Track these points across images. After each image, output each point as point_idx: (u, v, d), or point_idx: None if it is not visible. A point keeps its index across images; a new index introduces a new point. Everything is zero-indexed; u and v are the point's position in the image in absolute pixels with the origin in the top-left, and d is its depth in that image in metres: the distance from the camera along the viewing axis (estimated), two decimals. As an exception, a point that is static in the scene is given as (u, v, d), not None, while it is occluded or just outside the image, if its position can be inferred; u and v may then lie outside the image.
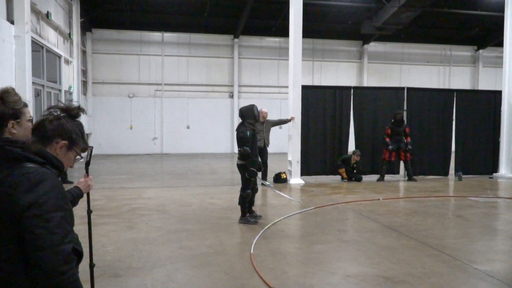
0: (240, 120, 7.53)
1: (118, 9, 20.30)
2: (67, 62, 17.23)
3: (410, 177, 12.70)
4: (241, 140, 7.22)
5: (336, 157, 12.70)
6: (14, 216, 1.85)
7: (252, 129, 7.32)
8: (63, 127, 2.09)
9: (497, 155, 13.79)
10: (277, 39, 23.09)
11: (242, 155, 7.25)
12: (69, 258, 1.89)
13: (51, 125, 2.07)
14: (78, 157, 2.22)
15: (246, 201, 7.36)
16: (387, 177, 12.82)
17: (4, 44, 10.30)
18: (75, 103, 2.24)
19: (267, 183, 11.13)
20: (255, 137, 7.48)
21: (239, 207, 7.42)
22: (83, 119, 14.04)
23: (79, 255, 2.08)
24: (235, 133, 7.71)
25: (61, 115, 2.11)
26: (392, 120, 12.53)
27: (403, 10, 18.74)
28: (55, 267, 1.82)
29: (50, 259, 1.82)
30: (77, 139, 2.15)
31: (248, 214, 7.43)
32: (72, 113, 2.15)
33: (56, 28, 15.45)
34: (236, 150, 22.25)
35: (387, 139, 12.46)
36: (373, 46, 24.45)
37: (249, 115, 7.36)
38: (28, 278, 1.87)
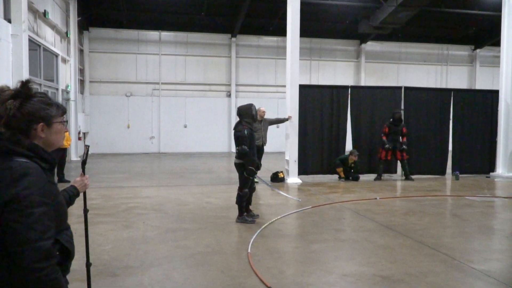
0: (238, 119, 7.51)
1: (116, 8, 20.29)
2: (64, 61, 17.19)
3: (407, 177, 12.72)
4: (239, 139, 7.18)
5: (334, 157, 12.71)
6: None
7: (249, 128, 7.29)
8: (28, 113, 1.99)
9: (494, 155, 13.81)
10: (274, 38, 23.10)
11: (240, 154, 7.23)
12: (48, 255, 1.86)
13: (16, 119, 1.97)
14: (64, 121, 2.15)
15: (244, 200, 7.35)
16: (385, 176, 12.84)
17: (1, 42, 10.27)
18: (19, 84, 2.04)
19: (256, 180, 11.28)
20: (253, 136, 7.46)
21: (236, 206, 7.41)
22: (80, 118, 13.96)
23: (68, 254, 2.06)
24: (232, 132, 7.69)
25: (16, 103, 1.97)
26: (391, 119, 12.54)
27: (401, 9, 18.76)
28: (31, 263, 1.81)
29: (27, 255, 1.81)
30: (48, 113, 2.05)
31: (245, 213, 7.42)
32: (23, 94, 2.01)
33: (53, 26, 15.42)
34: (233, 149, 22.30)
35: (384, 138, 12.48)
36: (371, 46, 24.47)
37: (247, 114, 7.33)
38: (9, 273, 1.86)
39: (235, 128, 7.36)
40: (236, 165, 7.40)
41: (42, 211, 1.88)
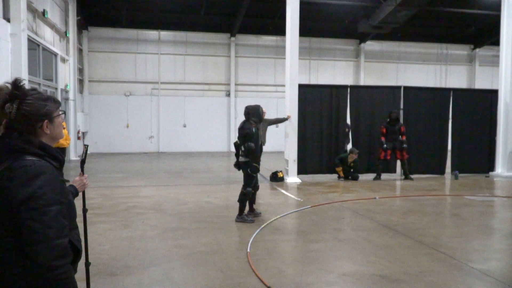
0: (244, 118, 7.56)
1: (115, 7, 20.28)
2: (63, 60, 17.18)
3: (406, 176, 12.72)
4: (247, 136, 7.26)
5: (333, 156, 12.70)
6: (12, 209, 1.85)
7: (256, 127, 7.40)
8: (30, 113, 1.98)
9: (493, 154, 13.83)
10: (273, 38, 23.10)
11: (247, 151, 7.27)
12: (64, 253, 1.88)
13: (19, 121, 1.96)
14: (62, 113, 2.15)
15: (246, 199, 7.38)
16: (384, 175, 12.82)
17: (0, 42, 10.26)
18: (8, 85, 2.00)
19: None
20: (259, 135, 7.52)
21: (235, 205, 7.42)
22: (79, 117, 13.93)
23: (77, 253, 2.07)
24: (234, 130, 7.73)
25: (14, 106, 1.95)
26: (388, 120, 12.52)
27: (400, 9, 18.75)
28: (48, 261, 1.82)
29: (44, 253, 1.82)
30: (48, 110, 2.05)
31: (245, 213, 7.43)
32: (18, 95, 1.98)
33: (52, 26, 15.40)
34: (232, 148, 22.31)
35: (382, 138, 12.47)
36: (370, 45, 24.47)
37: (255, 114, 7.44)
38: (24, 271, 1.87)
39: (242, 127, 7.42)
40: (242, 163, 7.43)
41: (57, 209, 1.89)
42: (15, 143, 1.94)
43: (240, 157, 7.42)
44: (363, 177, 12.73)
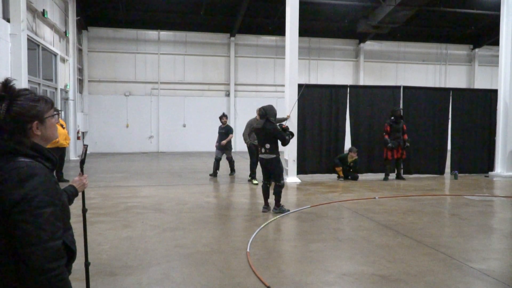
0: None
1: (114, 7, 20.29)
2: (63, 60, 17.18)
3: (398, 175, 12.69)
4: (278, 133, 7.81)
5: (332, 156, 12.69)
6: (4, 211, 1.83)
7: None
8: (19, 114, 1.94)
9: (493, 154, 13.84)
10: (273, 38, 23.11)
11: (288, 140, 7.94)
12: (58, 255, 1.86)
13: (8, 122, 1.92)
14: (55, 114, 2.13)
15: (281, 191, 7.90)
16: (381, 175, 12.77)
17: (0, 42, 10.27)
18: None
19: (255, 181, 11.32)
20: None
21: (235, 205, 7.46)
22: (79, 117, 13.92)
23: (72, 254, 2.06)
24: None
25: (3, 107, 1.91)
26: (392, 118, 12.46)
27: (399, 9, 18.77)
28: (42, 264, 1.80)
29: (38, 256, 1.80)
30: (39, 110, 2.01)
31: (265, 205, 8.01)
32: (8, 96, 1.94)
33: (52, 26, 15.40)
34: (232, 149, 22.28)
35: (386, 137, 12.42)
36: (369, 45, 24.48)
37: (273, 113, 7.89)
38: (16, 274, 1.85)
39: (264, 126, 7.83)
40: (269, 160, 7.88)
41: (51, 211, 1.87)
42: (7, 144, 1.92)
43: (265, 155, 7.89)
44: (362, 177, 12.73)
